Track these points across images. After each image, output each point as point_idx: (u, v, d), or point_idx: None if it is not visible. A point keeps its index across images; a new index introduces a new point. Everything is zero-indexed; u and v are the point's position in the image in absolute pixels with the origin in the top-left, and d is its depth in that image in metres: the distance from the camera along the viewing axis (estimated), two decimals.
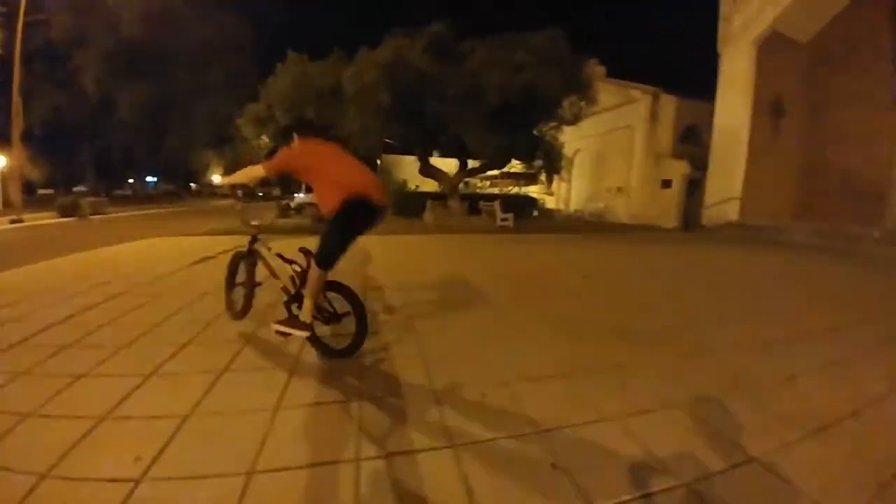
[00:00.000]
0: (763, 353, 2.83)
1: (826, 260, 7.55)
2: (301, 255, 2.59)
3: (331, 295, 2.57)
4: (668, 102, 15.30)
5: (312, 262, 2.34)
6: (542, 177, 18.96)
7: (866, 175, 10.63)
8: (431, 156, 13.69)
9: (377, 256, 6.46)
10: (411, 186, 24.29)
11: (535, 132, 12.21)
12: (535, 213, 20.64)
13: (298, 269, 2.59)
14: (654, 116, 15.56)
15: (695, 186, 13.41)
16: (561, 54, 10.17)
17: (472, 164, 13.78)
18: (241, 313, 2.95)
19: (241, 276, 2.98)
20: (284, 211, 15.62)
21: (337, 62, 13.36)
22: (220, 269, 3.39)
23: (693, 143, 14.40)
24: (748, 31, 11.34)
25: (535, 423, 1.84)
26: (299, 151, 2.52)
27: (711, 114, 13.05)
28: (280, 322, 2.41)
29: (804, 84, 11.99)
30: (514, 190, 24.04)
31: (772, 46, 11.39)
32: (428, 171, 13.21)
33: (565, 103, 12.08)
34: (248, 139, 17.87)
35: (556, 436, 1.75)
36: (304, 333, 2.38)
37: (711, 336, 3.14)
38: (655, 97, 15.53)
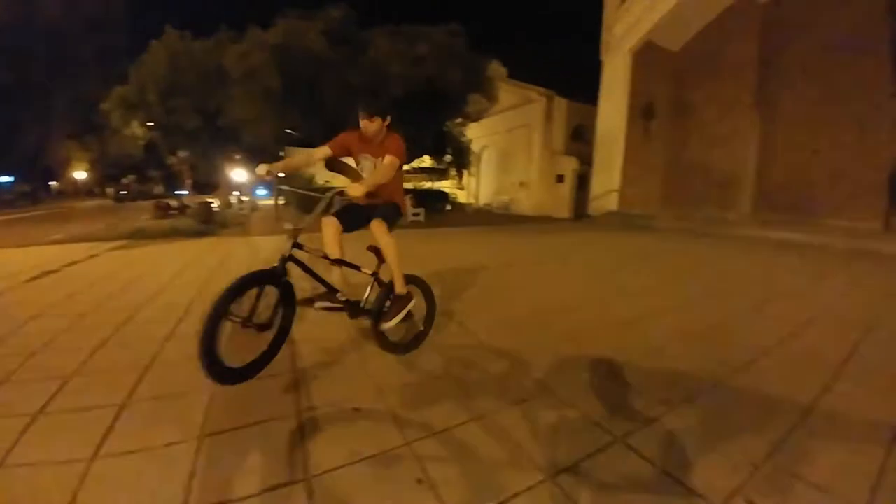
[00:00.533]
0: (621, 302, 3.13)
1: (681, 239, 8.77)
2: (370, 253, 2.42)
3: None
4: (561, 104, 16.57)
5: (385, 233, 2.28)
6: (453, 172, 19.48)
7: (725, 168, 12.61)
8: None
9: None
10: (320, 182, 23.14)
11: (443, 128, 12.33)
12: (448, 207, 21.06)
13: (369, 271, 2.42)
14: (549, 117, 16.73)
15: (584, 180, 14.73)
16: (461, 51, 10.35)
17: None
18: (251, 368, 2.00)
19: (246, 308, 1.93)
20: (163, 211, 13.59)
21: (223, 41, 12.07)
22: (63, 286, 2.69)
23: (582, 141, 15.78)
24: (626, 41, 12.66)
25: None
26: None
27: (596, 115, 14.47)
28: (386, 318, 2.28)
29: (672, 89, 13.76)
30: (427, 185, 24.27)
31: (646, 55, 12.86)
32: (333, 165, 12.62)
33: (469, 100, 12.38)
34: (118, 128, 15.37)
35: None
36: (412, 302, 2.41)
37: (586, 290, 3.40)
38: (550, 99, 16.70)
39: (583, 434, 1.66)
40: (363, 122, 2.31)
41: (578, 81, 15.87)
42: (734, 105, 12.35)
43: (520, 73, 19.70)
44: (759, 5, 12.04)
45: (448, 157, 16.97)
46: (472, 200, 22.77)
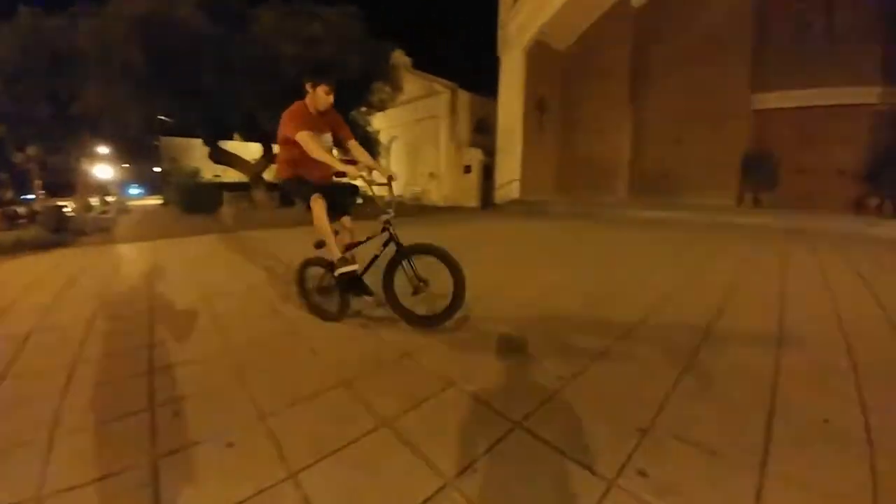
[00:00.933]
0: (524, 283, 3.25)
1: (573, 223, 9.62)
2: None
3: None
4: (464, 97, 16.95)
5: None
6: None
7: (606, 157, 14.10)
8: (227, 139, 11.59)
9: (152, 268, 5.08)
10: (208, 176, 20.68)
11: (346, 117, 11.72)
12: (359, 200, 20.37)
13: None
14: (453, 109, 17.02)
15: (490, 171, 15.35)
16: (359, 34, 9.83)
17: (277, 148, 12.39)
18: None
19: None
20: (9, 221, 10.76)
21: (78, 16, 9.93)
22: None
23: (486, 133, 16.37)
24: (519, 39, 13.32)
25: None
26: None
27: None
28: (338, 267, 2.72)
29: (561, 85, 14.89)
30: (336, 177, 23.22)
31: (537, 53, 13.68)
32: (220, 157, 11.24)
33: (373, 88, 11.94)
34: None
35: None
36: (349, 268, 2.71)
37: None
38: (454, 92, 16.98)
39: (485, 424, 1.67)
40: (323, 96, 2.37)
41: (480, 76, 16.36)
42: (612, 101, 13.85)
43: (424, 65, 19.73)
44: (632, 11, 13.58)
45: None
46: (384, 192, 22.37)
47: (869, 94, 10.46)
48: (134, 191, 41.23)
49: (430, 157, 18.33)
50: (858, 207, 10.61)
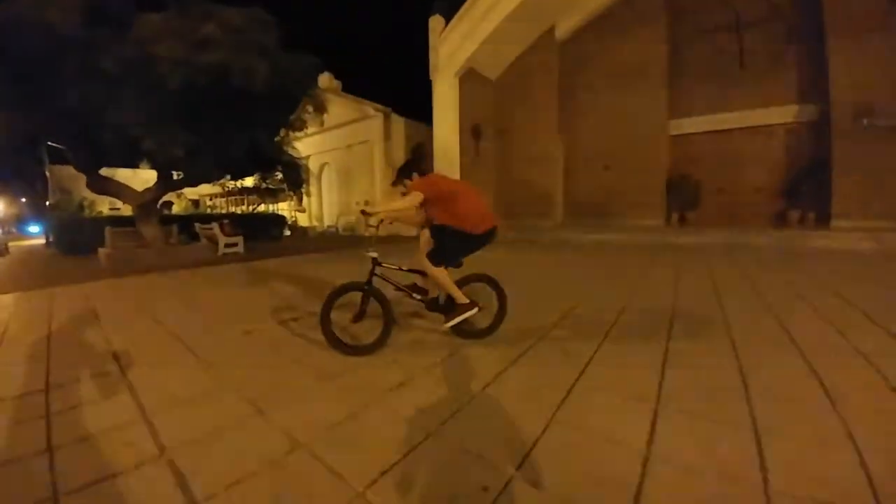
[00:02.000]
0: None
1: (515, 247, 8.98)
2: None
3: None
4: (398, 122, 16.21)
5: (427, 262, 2.89)
6: (292, 193, 17.14)
7: (541, 183, 13.89)
8: (107, 164, 9.43)
9: None
10: (102, 210, 17.71)
11: (257, 139, 10.12)
12: (287, 232, 18.49)
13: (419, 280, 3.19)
14: (388, 134, 16.18)
15: None
16: (270, 42, 8.46)
17: (178, 176, 10.40)
18: (371, 346, 2.79)
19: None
20: None
21: None
22: None
23: (423, 159, 15.63)
24: (451, 65, 12.89)
25: None
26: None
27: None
28: (448, 319, 2.95)
29: (495, 113, 14.69)
30: (262, 208, 21.08)
31: (470, 80, 13.34)
32: (100, 185, 9.12)
33: (290, 107, 10.57)
34: None
35: None
36: (475, 309, 2.95)
37: None
38: (387, 116, 16.18)
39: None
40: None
41: (415, 100, 15.68)
42: (543, 129, 13.82)
43: (356, 88, 18.82)
44: (557, 42, 13.81)
45: (279, 175, 14.69)
46: (315, 223, 20.62)
47: (780, 114, 11.19)
48: (33, 229, 34.89)
49: (365, 184, 17.17)
50: (780, 221, 11.18)
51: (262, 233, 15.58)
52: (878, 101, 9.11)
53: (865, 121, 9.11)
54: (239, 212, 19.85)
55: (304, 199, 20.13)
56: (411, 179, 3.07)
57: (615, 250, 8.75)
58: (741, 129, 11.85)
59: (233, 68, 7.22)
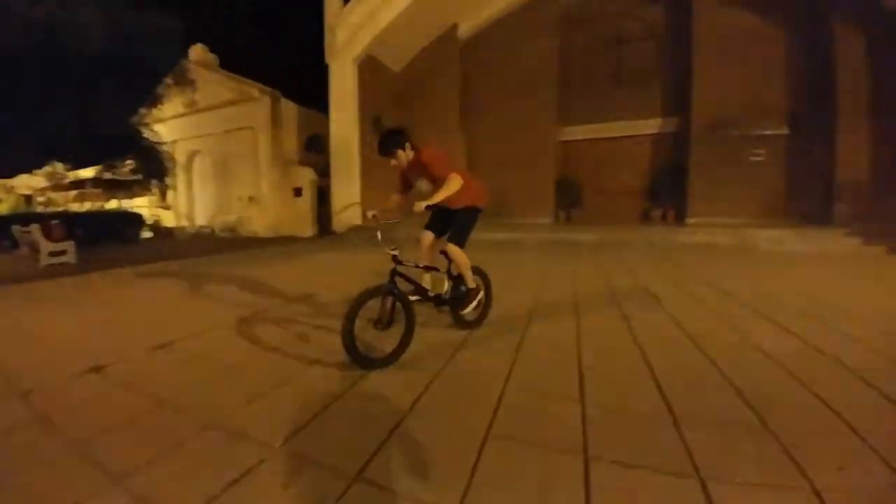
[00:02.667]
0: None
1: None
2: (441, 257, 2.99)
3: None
4: (289, 108, 14.33)
5: (453, 248, 2.89)
6: (153, 185, 13.90)
7: None
8: None
9: None
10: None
11: (96, 117, 7.68)
12: (148, 234, 15.08)
13: (441, 270, 3.04)
14: (276, 121, 14.18)
15: (326, 194, 13.12)
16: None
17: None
18: (390, 357, 2.48)
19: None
20: None
21: None
22: None
23: (318, 151, 14.12)
24: (350, 49, 11.71)
25: None
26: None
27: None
28: (465, 306, 2.99)
29: (399, 106, 13.92)
30: (113, 204, 16.84)
31: (371, 68, 12.32)
32: None
33: (144, 76, 8.33)
34: None
35: None
36: (482, 292, 3.11)
37: None
38: (275, 100, 14.16)
39: None
40: (390, 161, 2.86)
41: (311, 86, 13.96)
42: (445, 127, 13.57)
43: (239, 67, 16.09)
44: (460, 41, 13.62)
45: (131, 165, 11.78)
46: (184, 223, 17.26)
47: (648, 126, 12.70)
48: None
49: (249, 177, 14.83)
50: (646, 218, 12.72)
51: (111, 236, 12.35)
52: (730, 115, 10.89)
53: (718, 132, 10.82)
54: (79, 209, 15.50)
55: (170, 193, 16.72)
56: (404, 150, 2.81)
57: (524, 248, 8.83)
58: (615, 138, 13.20)
59: (59, 25, 5.20)
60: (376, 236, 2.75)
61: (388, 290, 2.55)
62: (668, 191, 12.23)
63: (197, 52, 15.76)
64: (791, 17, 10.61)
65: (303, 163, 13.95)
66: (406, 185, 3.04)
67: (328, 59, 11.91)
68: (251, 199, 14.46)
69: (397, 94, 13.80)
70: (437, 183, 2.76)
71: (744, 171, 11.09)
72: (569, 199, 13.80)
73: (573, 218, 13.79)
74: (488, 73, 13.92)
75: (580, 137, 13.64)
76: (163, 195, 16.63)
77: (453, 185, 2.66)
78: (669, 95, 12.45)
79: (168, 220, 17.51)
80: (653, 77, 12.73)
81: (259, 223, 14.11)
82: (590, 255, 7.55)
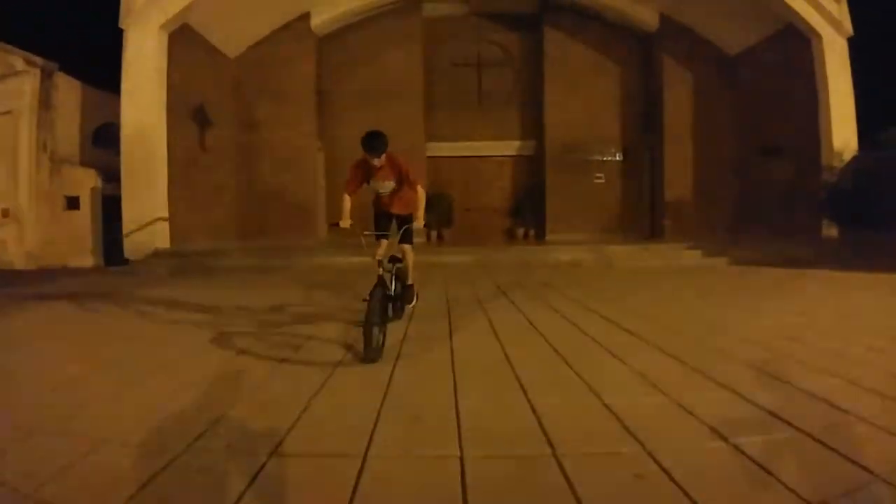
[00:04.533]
0: None
1: (254, 277, 6.08)
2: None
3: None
4: (69, 86, 10.10)
5: (409, 249, 3.32)
6: None
7: (300, 192, 11.02)
8: None
9: None
10: None
11: None
12: None
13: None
14: (47, 102, 9.79)
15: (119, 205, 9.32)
16: None
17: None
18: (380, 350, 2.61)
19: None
20: None
21: None
22: None
23: (112, 147, 10.14)
24: (156, 12, 8.50)
25: None
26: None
27: None
28: (410, 300, 3.49)
29: (235, 98, 10.98)
30: None
31: (189, 42, 9.26)
32: None
33: None
34: None
35: None
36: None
37: None
38: (47, 74, 9.80)
39: None
40: (372, 160, 2.96)
41: (114, 63, 9.87)
42: (300, 130, 11.20)
43: (16, 36, 10.91)
44: (315, 36, 11.43)
45: None
46: None
47: (509, 147, 12.38)
48: None
49: (1, 180, 9.91)
50: (510, 236, 12.25)
51: None
52: (577, 140, 11.14)
53: (568, 156, 10.86)
54: None
55: None
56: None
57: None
58: (480, 156, 12.61)
59: None
60: (361, 244, 3.10)
61: (385, 292, 2.83)
62: (528, 209, 11.98)
63: None
64: (627, 54, 11.44)
65: (87, 163, 9.85)
66: (360, 186, 3.16)
67: (123, 22, 8.51)
68: (5, 213, 9.60)
69: (235, 83, 10.92)
70: (401, 187, 3.15)
71: (589, 191, 11.42)
72: (441, 217, 12.58)
73: (445, 238, 12.59)
74: (351, 78, 12.04)
75: (447, 154, 12.66)
76: None
77: (421, 200, 3.14)
78: (528, 119, 12.37)
79: None
80: (511, 101, 12.53)
81: (15, 249, 9.37)
82: (475, 281, 6.19)
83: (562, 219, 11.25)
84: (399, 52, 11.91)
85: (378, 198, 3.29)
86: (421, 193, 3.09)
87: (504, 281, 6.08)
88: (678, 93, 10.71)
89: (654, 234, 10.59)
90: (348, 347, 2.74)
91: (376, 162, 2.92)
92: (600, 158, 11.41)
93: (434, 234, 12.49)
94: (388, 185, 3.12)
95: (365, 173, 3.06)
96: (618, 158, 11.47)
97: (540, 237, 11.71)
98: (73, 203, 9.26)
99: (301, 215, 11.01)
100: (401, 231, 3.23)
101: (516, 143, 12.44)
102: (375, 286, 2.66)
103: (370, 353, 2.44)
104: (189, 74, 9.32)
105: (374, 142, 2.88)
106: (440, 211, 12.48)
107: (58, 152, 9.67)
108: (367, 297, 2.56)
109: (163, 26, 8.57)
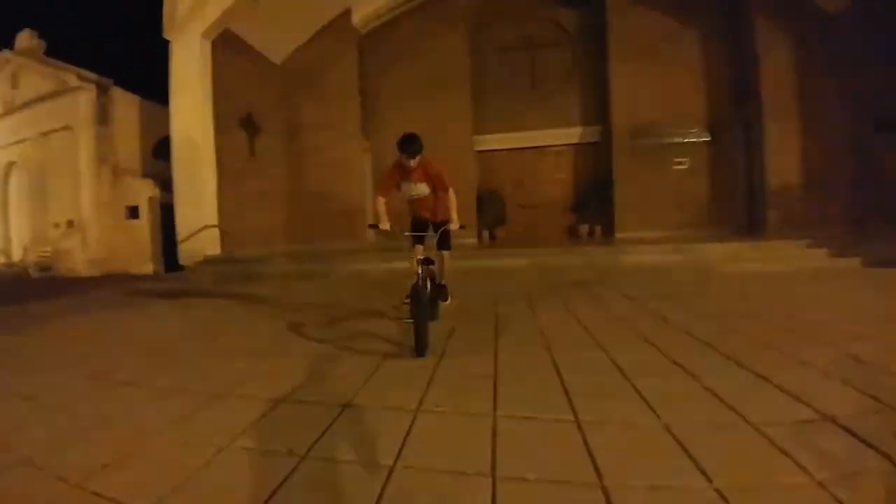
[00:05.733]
0: None
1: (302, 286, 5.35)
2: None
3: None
4: (127, 101, 10.17)
5: (447, 256, 3.37)
6: None
7: (346, 195, 10.38)
8: None
9: None
10: None
11: None
12: None
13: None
14: (104, 117, 9.90)
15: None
16: None
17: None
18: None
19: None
20: None
21: None
22: None
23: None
24: (198, 19, 8.15)
25: None
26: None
27: None
28: (446, 298, 3.46)
29: (281, 105, 10.54)
30: None
31: (233, 48, 8.87)
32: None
33: None
34: None
35: None
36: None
37: None
38: (104, 90, 9.92)
39: None
40: (407, 161, 3.03)
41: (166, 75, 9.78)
42: (344, 131, 10.52)
43: (72, 53, 11.38)
44: (356, 34, 10.72)
45: None
46: None
47: (568, 136, 10.82)
48: None
49: (67, 193, 10.19)
50: (573, 235, 10.76)
51: None
52: (651, 122, 9.41)
53: (640, 140, 9.16)
54: None
55: None
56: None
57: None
58: (535, 147, 11.19)
59: None
60: (404, 245, 3.23)
61: (423, 290, 2.82)
62: (594, 204, 10.41)
63: (24, 39, 11.12)
64: (709, 18, 9.49)
65: (150, 175, 9.82)
66: (393, 187, 3.24)
67: (167, 32, 8.23)
68: (70, 223, 9.85)
69: (282, 92, 10.45)
70: (435, 193, 3.19)
71: (668, 180, 9.65)
72: (493, 215, 11.38)
73: (498, 237, 11.37)
74: (393, 73, 11.21)
75: (497, 147, 11.40)
76: None
77: (454, 198, 3.18)
78: (590, 102, 10.80)
79: None
80: (569, 83, 11.00)
81: (80, 257, 9.55)
82: (532, 296, 4.82)
83: (634, 213, 9.58)
84: (442, 41, 10.85)
85: (412, 203, 3.28)
86: (452, 196, 3.14)
87: (572, 296, 4.63)
88: (777, 57, 8.62)
89: (752, 228, 8.60)
90: (395, 343, 2.95)
91: (411, 163, 3.01)
92: (681, 140, 9.55)
93: (486, 233, 11.34)
94: (420, 188, 3.15)
95: (399, 175, 3.12)
96: (703, 139, 9.54)
97: (608, 235, 10.13)
98: (133, 212, 9.24)
99: (348, 218, 10.31)
100: (438, 235, 3.23)
101: (577, 130, 10.89)
102: (414, 287, 2.73)
103: (420, 347, 2.55)
104: (236, 82, 8.93)
105: (409, 144, 2.97)
106: (491, 209, 11.31)
107: (119, 164, 9.71)
108: (407, 300, 2.72)
109: (204, 34, 8.17)
